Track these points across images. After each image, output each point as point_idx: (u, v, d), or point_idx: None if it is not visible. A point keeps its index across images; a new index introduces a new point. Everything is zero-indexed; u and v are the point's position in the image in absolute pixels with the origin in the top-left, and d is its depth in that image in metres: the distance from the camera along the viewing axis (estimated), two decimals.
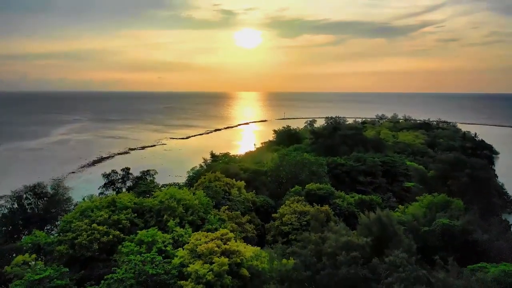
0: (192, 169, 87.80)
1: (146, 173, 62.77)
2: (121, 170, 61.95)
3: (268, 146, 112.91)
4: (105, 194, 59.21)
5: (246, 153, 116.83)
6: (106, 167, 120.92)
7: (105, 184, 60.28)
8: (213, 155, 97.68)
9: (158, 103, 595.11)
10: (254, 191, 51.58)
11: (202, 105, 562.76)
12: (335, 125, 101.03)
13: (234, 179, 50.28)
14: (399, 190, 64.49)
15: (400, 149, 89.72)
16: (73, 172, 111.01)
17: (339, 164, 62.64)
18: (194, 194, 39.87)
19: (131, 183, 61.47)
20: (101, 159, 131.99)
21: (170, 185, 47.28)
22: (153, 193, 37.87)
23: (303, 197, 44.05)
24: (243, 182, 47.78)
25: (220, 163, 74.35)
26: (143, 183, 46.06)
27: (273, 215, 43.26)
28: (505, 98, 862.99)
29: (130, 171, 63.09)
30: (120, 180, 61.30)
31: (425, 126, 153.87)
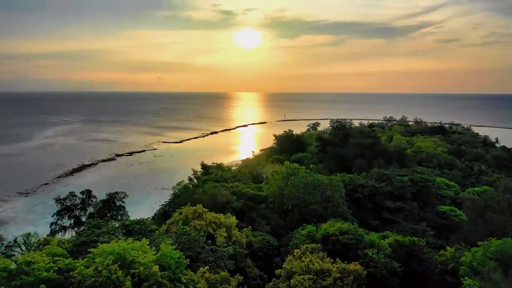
0: (179, 183, 74.78)
1: (113, 196, 49.60)
2: (80, 193, 48.63)
3: (268, 154, 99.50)
4: (58, 225, 46.17)
5: (243, 161, 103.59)
6: (86, 177, 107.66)
7: (59, 212, 47.01)
8: (204, 166, 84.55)
9: (155, 104, 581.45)
10: (250, 227, 38.38)
11: (200, 105, 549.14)
12: (345, 132, 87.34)
13: (223, 212, 37.04)
14: (433, 217, 51.45)
15: (423, 160, 76.35)
16: (46, 184, 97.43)
17: (359, 185, 49.29)
18: (159, 245, 26.49)
19: (93, 209, 48.24)
20: (82, 167, 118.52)
21: (135, 225, 33.75)
22: (91, 250, 24.31)
23: (319, 245, 30.65)
24: (233, 219, 34.44)
25: (208, 182, 60.97)
26: (88, 228, 32.32)
27: (276, 271, 29.97)
28: (506, 99, 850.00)
29: (93, 194, 49.75)
30: (79, 206, 48.02)
31: (440, 130, 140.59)
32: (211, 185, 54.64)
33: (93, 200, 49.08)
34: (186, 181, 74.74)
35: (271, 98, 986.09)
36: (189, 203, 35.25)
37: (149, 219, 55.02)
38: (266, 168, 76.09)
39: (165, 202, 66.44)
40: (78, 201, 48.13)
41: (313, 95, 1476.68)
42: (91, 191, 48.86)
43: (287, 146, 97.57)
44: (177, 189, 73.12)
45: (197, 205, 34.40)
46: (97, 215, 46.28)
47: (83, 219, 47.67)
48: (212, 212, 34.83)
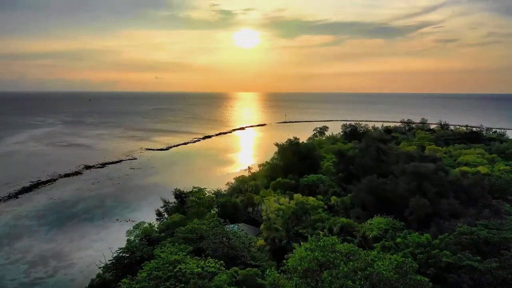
0: (138, 225, 51.64)
1: None
2: None
3: (269, 172, 75.46)
4: None
5: (237, 179, 78.38)
6: (32, 200, 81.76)
7: None
8: (178, 195, 60.71)
9: (151, 104, 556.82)
10: None
11: (196, 106, 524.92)
12: (377, 147, 62.71)
13: None
14: None
15: (492, 190, 52.29)
16: None
17: (445, 266, 25.50)
18: None
19: None
20: (35, 185, 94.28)
21: None
22: None
23: None
24: None
25: (174, 238, 37.18)
26: None
27: None
28: (506, 99, 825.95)
29: None
30: None
31: (474, 136, 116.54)
32: (168, 256, 30.74)
33: None
34: (148, 223, 50.91)
35: (271, 98, 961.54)
36: None
37: None
38: (267, 202, 52.20)
39: (109, 261, 42.85)
40: None
41: (313, 95, 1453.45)
42: None
43: (294, 162, 73.64)
44: (136, 233, 49.85)
45: None
46: None
47: None
48: None
